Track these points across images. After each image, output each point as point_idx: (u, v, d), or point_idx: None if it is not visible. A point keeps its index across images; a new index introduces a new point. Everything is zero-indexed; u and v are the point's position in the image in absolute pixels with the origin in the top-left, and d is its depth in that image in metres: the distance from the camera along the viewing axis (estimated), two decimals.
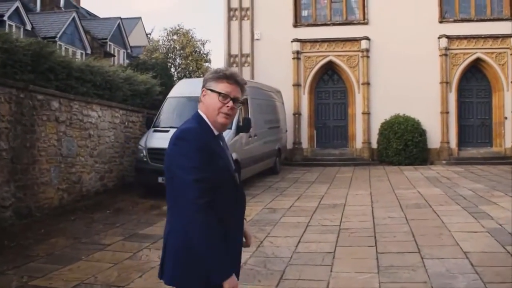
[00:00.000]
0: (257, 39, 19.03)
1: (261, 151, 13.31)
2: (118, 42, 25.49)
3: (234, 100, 2.43)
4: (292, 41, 18.60)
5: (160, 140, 10.70)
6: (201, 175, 2.24)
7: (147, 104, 13.33)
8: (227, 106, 2.40)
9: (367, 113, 18.28)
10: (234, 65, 19.19)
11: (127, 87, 12.20)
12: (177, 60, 17.04)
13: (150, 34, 30.95)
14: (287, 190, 11.65)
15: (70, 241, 7.02)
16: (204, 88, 2.48)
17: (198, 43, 17.69)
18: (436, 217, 7.81)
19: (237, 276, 2.38)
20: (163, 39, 18.00)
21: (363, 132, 18.27)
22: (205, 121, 2.44)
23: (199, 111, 2.49)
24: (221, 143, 2.52)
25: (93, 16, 30.75)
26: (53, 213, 8.81)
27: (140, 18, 35.73)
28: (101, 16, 31.01)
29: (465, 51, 17.98)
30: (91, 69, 10.72)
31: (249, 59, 19.07)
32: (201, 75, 18.77)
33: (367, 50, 18.26)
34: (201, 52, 17.78)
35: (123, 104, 12.04)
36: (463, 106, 18.29)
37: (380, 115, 17.97)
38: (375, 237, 6.68)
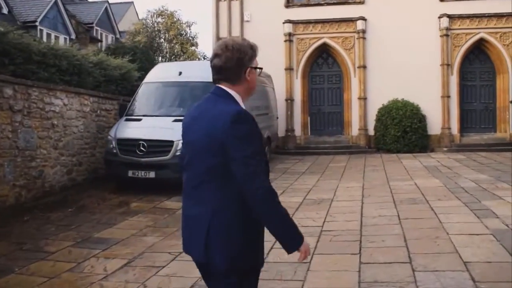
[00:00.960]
0: (247, 21, 17.97)
1: None
2: (106, 27, 24.41)
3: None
4: (284, 23, 17.54)
5: (131, 129, 9.79)
6: (265, 158, 2.26)
7: (124, 91, 12.37)
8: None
9: (363, 98, 17.27)
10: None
11: (99, 73, 11.22)
12: (164, 43, 16.01)
13: (144, 19, 29.79)
14: (273, 183, 10.63)
15: (11, 247, 6.11)
16: (249, 68, 2.38)
17: (184, 25, 16.67)
18: (433, 216, 6.86)
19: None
20: (146, 22, 16.91)
21: (359, 118, 17.26)
22: (239, 101, 2.37)
23: (229, 90, 2.36)
24: None
25: (81, 0, 29.62)
26: (6, 213, 7.89)
27: (132, 2, 34.67)
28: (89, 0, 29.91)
29: (467, 31, 16.88)
30: (55, 52, 9.73)
31: None
32: (188, 59, 17.74)
33: (363, 31, 17.18)
34: (187, 35, 16.74)
35: (94, 90, 11.08)
36: (465, 90, 17.24)
37: (378, 100, 16.95)
38: (360, 242, 5.74)
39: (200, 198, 2.31)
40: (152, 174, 9.25)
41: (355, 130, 17.39)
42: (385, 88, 16.85)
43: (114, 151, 9.67)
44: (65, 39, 20.54)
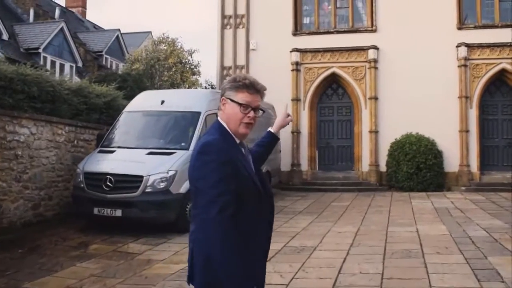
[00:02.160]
0: (253, 49, 17.23)
1: None
2: (116, 55, 24.13)
3: (255, 109, 2.40)
4: (291, 51, 16.71)
5: (100, 162, 8.93)
6: (224, 187, 2.24)
7: (109, 120, 11.58)
8: (249, 116, 2.38)
9: (374, 132, 16.13)
10: (228, 78, 17.38)
11: (79, 100, 10.49)
12: (163, 71, 15.38)
13: (146, 46, 29.15)
14: None
15: None
16: (223, 97, 2.45)
17: (185, 53, 16.02)
18: (423, 275, 5.65)
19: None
20: (147, 49, 16.36)
21: (370, 153, 16.09)
22: (226, 130, 2.41)
23: (219, 119, 2.46)
24: (243, 150, 2.47)
25: (97, 29, 29.64)
26: None
27: (150, 32, 34.72)
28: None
29: (488, 62, 15.67)
30: (23, 78, 9.05)
31: (243, 71, 17.23)
32: (189, 88, 17.02)
33: (375, 61, 16.18)
34: (188, 62, 16.07)
35: (72, 119, 10.34)
36: (486, 124, 15.91)
37: (390, 134, 15.78)
38: None
39: (192, 224, 2.39)
40: (118, 213, 8.32)
41: (365, 165, 16.20)
42: (398, 121, 15.70)
43: (81, 185, 8.81)
44: (71, 66, 20.21)
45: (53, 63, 19.40)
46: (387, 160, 15.76)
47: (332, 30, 16.94)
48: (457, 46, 15.69)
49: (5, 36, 16.90)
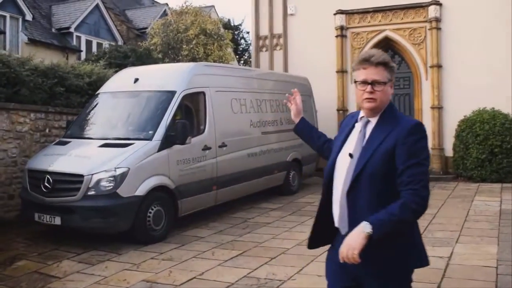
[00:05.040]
0: (291, 14, 14.81)
1: (248, 166, 9.29)
2: None
3: (373, 83, 2.39)
4: (335, 14, 14.08)
5: (44, 158, 7.29)
6: None
7: None
8: (367, 92, 2.41)
9: (438, 108, 13.16)
10: (264, 49, 15.18)
11: (51, 82, 8.93)
12: (183, 45, 13.49)
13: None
14: (253, 232, 7.55)
15: None
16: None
17: (207, 23, 13.96)
18: None
19: None
20: (168, 22, 14.54)
21: (432, 133, 13.12)
22: None
23: None
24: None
25: (155, 4, 28.46)
26: None
27: (213, 6, 33.13)
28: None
29: None
30: None
31: (281, 40, 14.92)
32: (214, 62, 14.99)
33: (438, 20, 13.07)
34: (215, 33, 14.00)
35: (45, 105, 8.85)
36: None
37: (457, 110, 12.73)
38: None
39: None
40: (57, 220, 6.63)
41: None
42: (467, 94, 12.61)
43: (26, 185, 7.26)
44: (110, 45, 19.02)
45: (89, 43, 18.38)
46: (454, 143, 12.76)
47: None
48: None
49: (28, 17, 15.99)
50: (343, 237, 2.33)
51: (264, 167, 9.87)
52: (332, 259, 2.48)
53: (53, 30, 17.60)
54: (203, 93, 8.26)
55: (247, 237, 7.26)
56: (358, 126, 2.48)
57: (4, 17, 15.54)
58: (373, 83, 2.37)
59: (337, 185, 2.45)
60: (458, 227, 7.39)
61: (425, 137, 2.35)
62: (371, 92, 2.38)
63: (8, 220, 8.21)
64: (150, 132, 7.24)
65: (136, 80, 8.09)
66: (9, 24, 15.53)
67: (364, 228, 2.20)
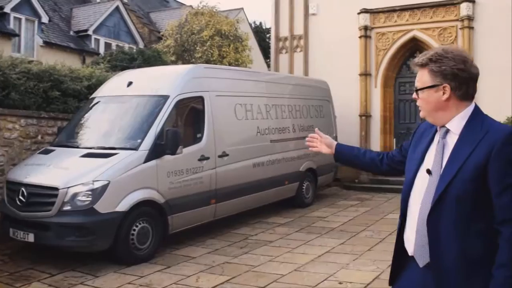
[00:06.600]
0: (313, 14, 14.02)
1: (253, 177, 8.56)
2: None
3: (416, 90, 2.12)
4: (359, 13, 13.21)
5: (23, 168, 6.76)
6: None
7: None
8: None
9: None
10: (284, 51, 14.43)
11: (44, 86, 8.44)
12: (197, 47, 12.88)
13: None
14: (251, 253, 6.82)
15: None
16: None
17: (223, 23, 13.30)
18: None
19: None
20: (182, 23, 13.98)
21: None
22: None
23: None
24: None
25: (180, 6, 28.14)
26: None
27: (241, 8, 32.60)
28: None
29: None
30: None
31: (301, 41, 14.13)
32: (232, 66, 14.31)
33: (470, 19, 12.01)
34: (232, 34, 13.32)
35: (39, 110, 8.38)
36: None
37: (492, 116, 11.56)
38: None
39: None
40: (31, 237, 6.07)
41: None
42: (502, 99, 11.47)
43: (4, 197, 6.75)
44: (130, 48, 18.68)
45: (108, 45, 18.05)
46: None
47: None
48: None
49: (44, 19, 15.74)
50: (424, 269, 2.02)
51: (272, 178, 9.10)
52: None
53: (71, 32, 17.35)
54: (202, 98, 7.58)
55: (242, 259, 6.53)
56: (437, 136, 2.14)
57: (20, 19, 15.33)
58: (416, 89, 2.12)
59: (412, 208, 2.12)
60: None
61: None
62: (417, 100, 2.13)
63: None
64: (137, 141, 6.60)
65: (130, 83, 7.50)
66: (24, 27, 15.33)
67: None
